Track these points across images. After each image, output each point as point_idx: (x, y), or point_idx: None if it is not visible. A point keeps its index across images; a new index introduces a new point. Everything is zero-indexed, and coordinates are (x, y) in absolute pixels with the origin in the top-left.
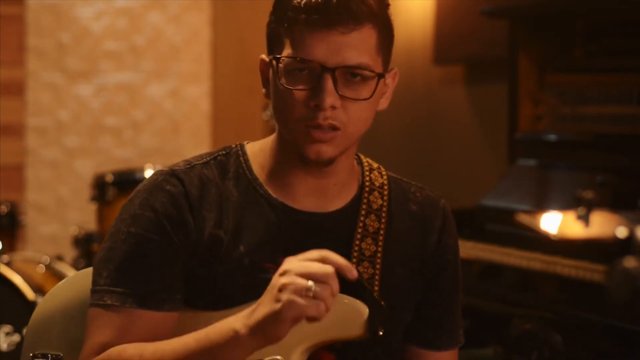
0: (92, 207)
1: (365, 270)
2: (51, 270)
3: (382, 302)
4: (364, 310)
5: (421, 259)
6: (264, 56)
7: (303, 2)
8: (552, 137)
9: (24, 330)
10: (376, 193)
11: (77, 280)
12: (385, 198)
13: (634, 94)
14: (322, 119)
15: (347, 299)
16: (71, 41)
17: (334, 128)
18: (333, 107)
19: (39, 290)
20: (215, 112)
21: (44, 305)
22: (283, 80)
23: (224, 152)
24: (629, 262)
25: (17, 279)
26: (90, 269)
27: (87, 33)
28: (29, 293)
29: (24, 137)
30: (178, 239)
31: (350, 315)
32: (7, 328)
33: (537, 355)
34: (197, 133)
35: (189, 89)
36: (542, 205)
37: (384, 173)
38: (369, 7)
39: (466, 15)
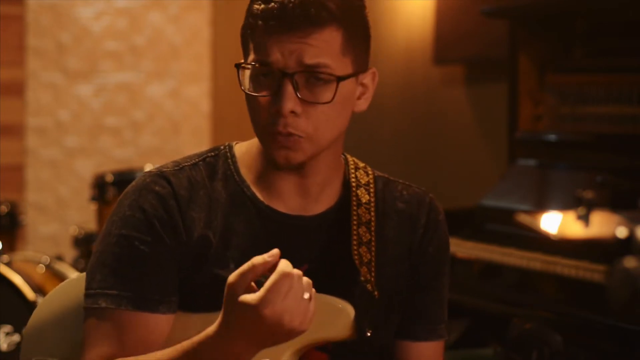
0: (92, 207)
1: (365, 254)
2: (51, 270)
3: (376, 293)
4: (351, 311)
5: (408, 257)
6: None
7: (261, 8)
8: (552, 137)
9: (24, 331)
10: (362, 189)
11: (73, 285)
12: (372, 195)
13: (634, 94)
14: (282, 126)
15: (334, 300)
16: (71, 41)
17: (295, 135)
18: (294, 113)
19: (39, 290)
20: (215, 112)
21: (41, 310)
22: (246, 86)
23: (212, 154)
24: (629, 262)
25: (17, 279)
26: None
27: (87, 33)
28: (29, 293)
29: (24, 137)
30: (169, 239)
31: (338, 316)
32: (7, 328)
33: (537, 355)
34: (197, 133)
35: (189, 89)
36: (542, 205)
37: (369, 172)
38: (329, 11)
39: (466, 15)
